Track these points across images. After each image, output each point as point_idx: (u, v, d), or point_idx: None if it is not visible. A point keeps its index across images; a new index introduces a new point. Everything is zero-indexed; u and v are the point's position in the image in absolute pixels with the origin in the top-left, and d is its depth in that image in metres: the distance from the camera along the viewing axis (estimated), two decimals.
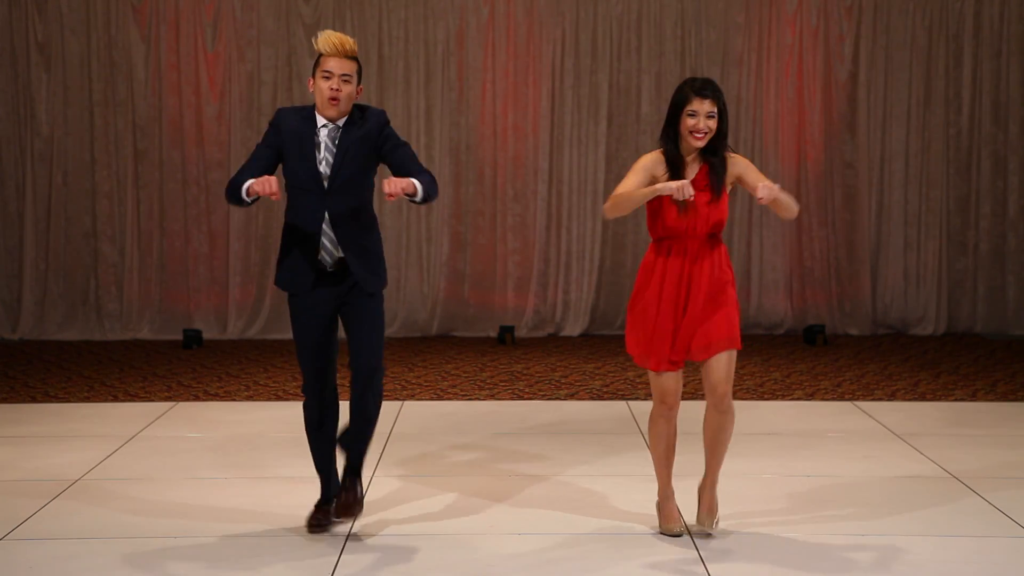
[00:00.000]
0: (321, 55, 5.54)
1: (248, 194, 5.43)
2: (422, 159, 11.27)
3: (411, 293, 11.37)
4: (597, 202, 11.37)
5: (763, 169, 11.02)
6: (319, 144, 5.54)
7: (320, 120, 5.55)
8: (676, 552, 5.44)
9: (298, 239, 5.58)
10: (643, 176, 5.46)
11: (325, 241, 5.56)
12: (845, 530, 5.73)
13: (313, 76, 5.56)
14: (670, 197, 5.40)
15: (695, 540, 5.58)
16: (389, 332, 11.23)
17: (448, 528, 5.79)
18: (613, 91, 11.36)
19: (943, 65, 11.34)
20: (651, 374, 5.59)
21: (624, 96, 11.38)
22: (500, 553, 5.44)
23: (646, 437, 7.47)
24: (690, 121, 5.44)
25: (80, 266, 11.28)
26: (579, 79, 11.32)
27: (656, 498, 5.77)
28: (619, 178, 11.40)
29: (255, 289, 11.27)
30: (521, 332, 11.23)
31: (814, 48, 11.35)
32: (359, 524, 5.81)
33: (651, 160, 5.50)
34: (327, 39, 5.53)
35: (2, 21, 11.09)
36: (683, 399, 8.62)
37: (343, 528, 5.74)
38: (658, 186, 5.34)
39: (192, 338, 10.75)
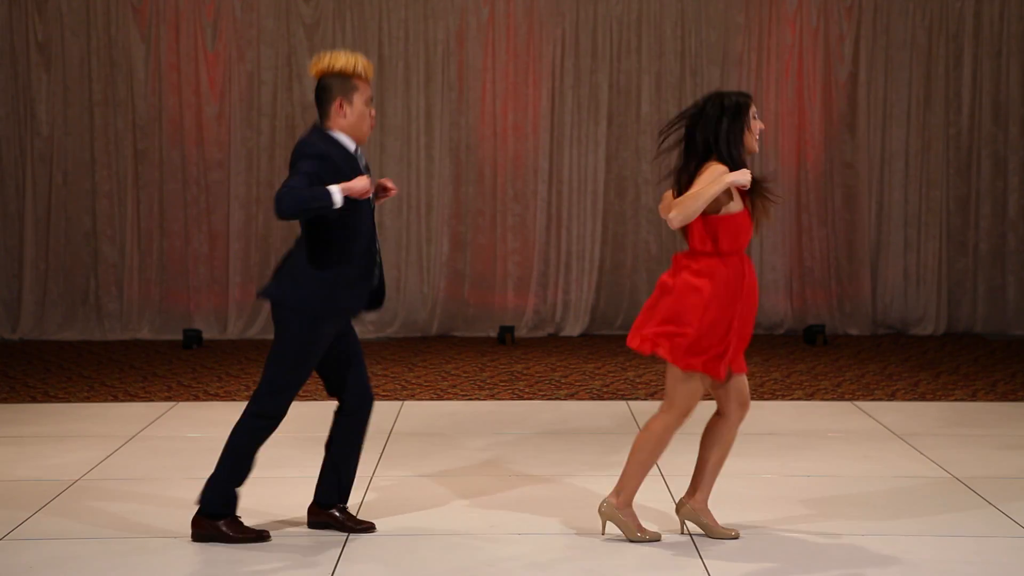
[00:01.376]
0: (359, 79, 5.49)
1: (343, 195, 5.32)
2: (422, 159, 11.31)
3: (411, 293, 11.37)
4: (597, 202, 11.38)
5: (763, 169, 11.03)
6: (363, 167, 5.55)
7: (350, 145, 5.50)
8: (676, 552, 5.44)
9: (348, 261, 5.48)
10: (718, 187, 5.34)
11: (376, 257, 5.59)
12: (845, 530, 5.73)
13: (347, 99, 5.46)
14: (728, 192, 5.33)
15: (695, 540, 5.58)
16: (389, 332, 11.25)
17: (448, 528, 5.79)
18: (613, 91, 11.36)
19: (943, 65, 11.35)
20: (698, 382, 5.39)
21: (624, 96, 11.38)
22: (500, 553, 5.44)
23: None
24: (756, 123, 5.45)
25: (80, 266, 11.28)
26: (579, 79, 11.32)
27: (622, 504, 5.58)
28: (619, 178, 11.43)
29: (255, 289, 11.27)
30: (521, 332, 11.23)
31: (814, 48, 11.35)
32: None
33: (723, 174, 5.34)
34: (368, 65, 5.52)
35: (2, 21, 11.09)
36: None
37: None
38: (724, 180, 5.25)
39: (192, 338, 10.75)
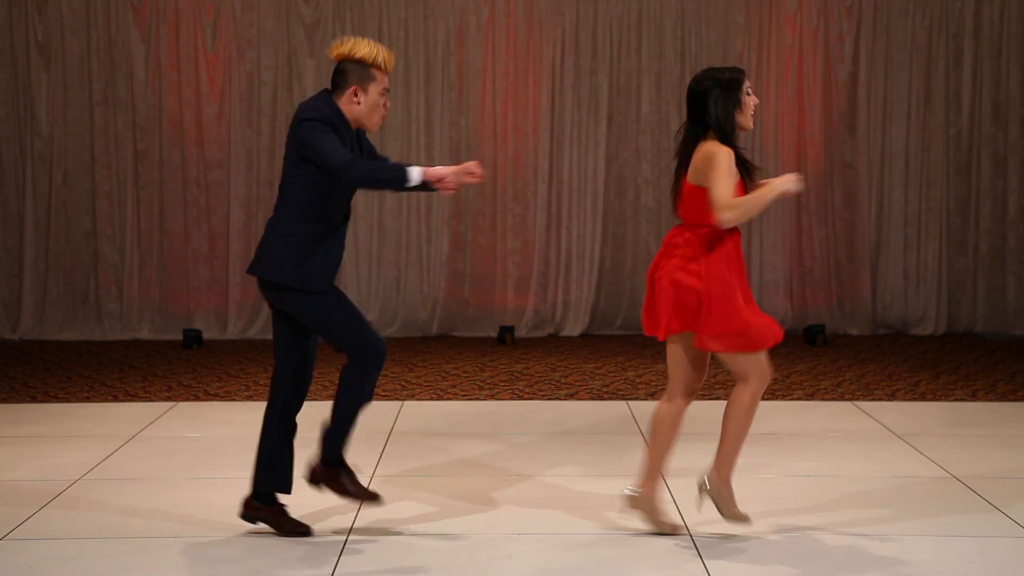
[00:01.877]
0: (378, 69, 5.49)
1: (426, 180, 5.33)
2: (422, 159, 11.30)
3: (411, 293, 11.37)
4: (597, 202, 11.38)
5: (763, 170, 11.02)
6: (360, 145, 5.59)
7: (349, 123, 5.53)
8: (676, 552, 5.44)
9: (328, 238, 5.50)
10: (735, 178, 5.37)
11: (344, 240, 5.60)
12: (845, 530, 5.73)
13: (362, 87, 5.47)
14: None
15: (695, 540, 5.58)
16: (389, 332, 11.24)
17: (448, 528, 5.78)
18: (613, 91, 11.36)
19: (943, 65, 11.35)
20: (756, 355, 5.45)
21: (624, 96, 11.38)
22: (500, 553, 5.44)
23: (647, 436, 7.48)
24: (750, 99, 5.46)
25: (80, 266, 11.28)
26: (579, 79, 11.32)
27: (712, 485, 5.58)
28: (619, 178, 11.43)
29: (255, 289, 11.24)
30: (521, 332, 11.23)
31: (814, 48, 11.35)
32: (359, 524, 5.81)
33: (732, 159, 5.37)
34: (389, 56, 5.53)
35: (2, 21, 11.09)
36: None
37: (343, 528, 5.74)
38: (777, 188, 5.35)
39: (192, 338, 10.75)
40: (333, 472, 5.64)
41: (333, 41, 5.66)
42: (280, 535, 5.64)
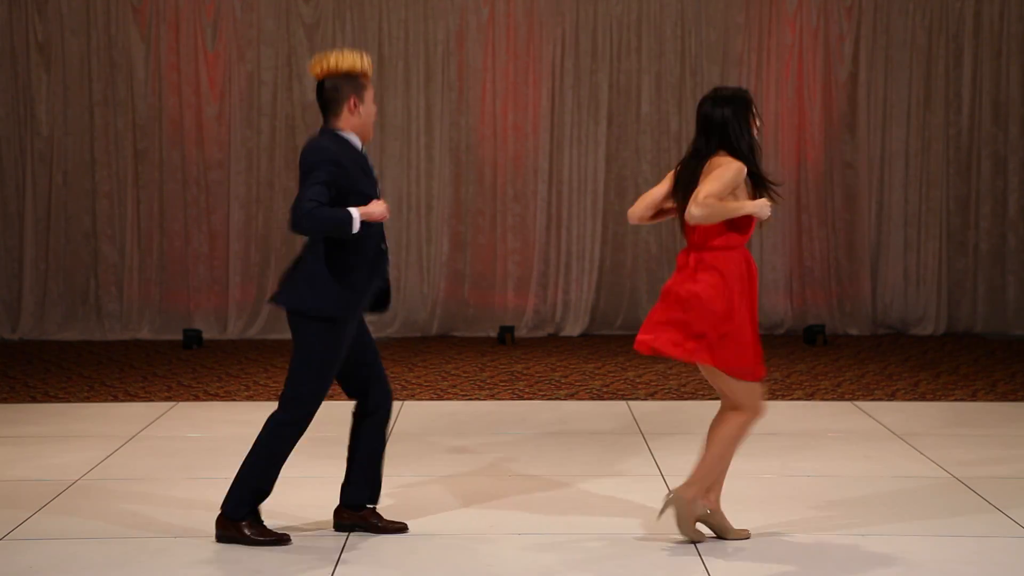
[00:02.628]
0: (365, 77, 5.45)
1: (361, 220, 5.30)
2: (422, 159, 11.30)
3: (411, 293, 11.37)
4: (597, 202, 11.38)
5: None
6: (371, 166, 5.53)
7: (358, 144, 5.47)
8: (676, 552, 5.44)
9: (362, 262, 5.44)
10: (728, 189, 5.29)
11: (386, 256, 5.55)
12: (845, 530, 5.72)
13: (359, 96, 5.42)
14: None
15: (695, 541, 5.58)
16: (389, 332, 11.23)
17: (448, 528, 5.78)
18: (613, 91, 11.36)
19: (943, 65, 11.34)
20: (753, 386, 5.42)
21: (624, 96, 11.38)
22: (500, 554, 5.44)
23: (647, 438, 7.48)
24: (757, 119, 5.44)
25: (80, 266, 11.28)
26: (579, 79, 11.32)
27: (700, 505, 5.51)
28: (619, 178, 11.43)
29: (255, 289, 11.27)
30: (521, 332, 11.23)
31: (814, 48, 11.35)
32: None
33: (742, 174, 5.32)
34: (369, 61, 5.49)
35: (2, 21, 11.10)
36: (685, 399, 8.61)
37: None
38: (748, 208, 5.28)
39: (192, 338, 10.75)
40: (229, 521, 5.58)
41: (310, 62, 5.58)
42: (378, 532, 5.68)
